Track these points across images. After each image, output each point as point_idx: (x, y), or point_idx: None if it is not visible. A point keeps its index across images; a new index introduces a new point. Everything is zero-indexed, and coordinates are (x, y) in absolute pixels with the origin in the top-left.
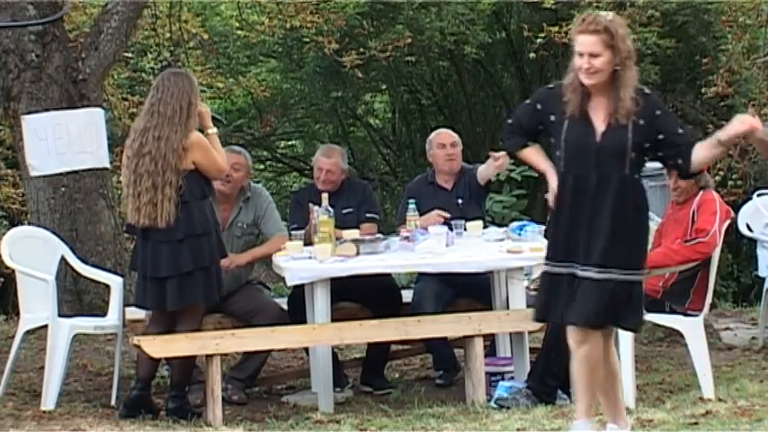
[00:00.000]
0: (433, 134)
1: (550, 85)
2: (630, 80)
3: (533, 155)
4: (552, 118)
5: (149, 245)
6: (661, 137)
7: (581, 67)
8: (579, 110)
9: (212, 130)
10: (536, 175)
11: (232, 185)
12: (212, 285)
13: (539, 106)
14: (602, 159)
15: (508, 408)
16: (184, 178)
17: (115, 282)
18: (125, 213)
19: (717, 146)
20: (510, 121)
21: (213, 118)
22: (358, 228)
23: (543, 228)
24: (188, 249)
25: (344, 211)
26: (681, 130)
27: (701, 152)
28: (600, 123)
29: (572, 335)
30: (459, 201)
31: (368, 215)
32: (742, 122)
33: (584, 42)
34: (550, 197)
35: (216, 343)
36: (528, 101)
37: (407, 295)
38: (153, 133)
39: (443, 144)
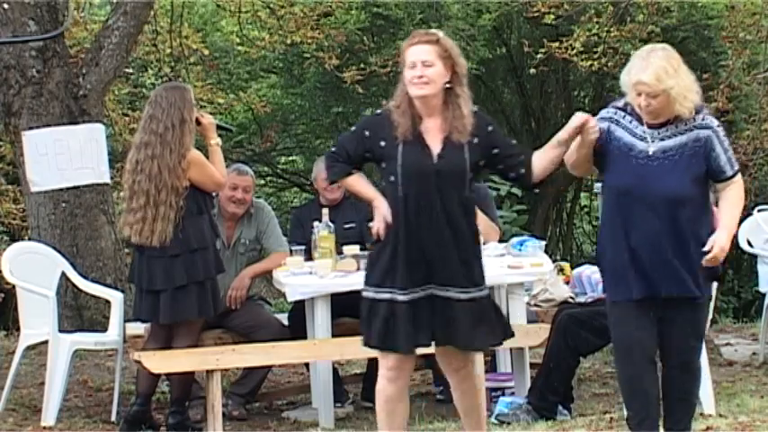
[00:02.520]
0: None
1: (377, 111)
2: (465, 98)
3: (358, 182)
4: (383, 144)
5: (144, 258)
6: (496, 151)
7: (412, 78)
8: (412, 133)
9: (215, 141)
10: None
11: (245, 206)
12: (206, 300)
13: (367, 133)
14: (442, 181)
15: (509, 423)
16: (184, 198)
17: (115, 297)
18: (121, 226)
19: (556, 146)
20: (334, 149)
21: (221, 127)
22: (360, 244)
23: (543, 243)
24: (182, 264)
25: (346, 227)
26: (514, 142)
27: (543, 158)
28: (435, 145)
29: (451, 359)
30: None
31: None
32: (579, 117)
33: (416, 52)
34: (378, 225)
35: (216, 358)
36: (353, 128)
37: None
38: (147, 151)
39: None
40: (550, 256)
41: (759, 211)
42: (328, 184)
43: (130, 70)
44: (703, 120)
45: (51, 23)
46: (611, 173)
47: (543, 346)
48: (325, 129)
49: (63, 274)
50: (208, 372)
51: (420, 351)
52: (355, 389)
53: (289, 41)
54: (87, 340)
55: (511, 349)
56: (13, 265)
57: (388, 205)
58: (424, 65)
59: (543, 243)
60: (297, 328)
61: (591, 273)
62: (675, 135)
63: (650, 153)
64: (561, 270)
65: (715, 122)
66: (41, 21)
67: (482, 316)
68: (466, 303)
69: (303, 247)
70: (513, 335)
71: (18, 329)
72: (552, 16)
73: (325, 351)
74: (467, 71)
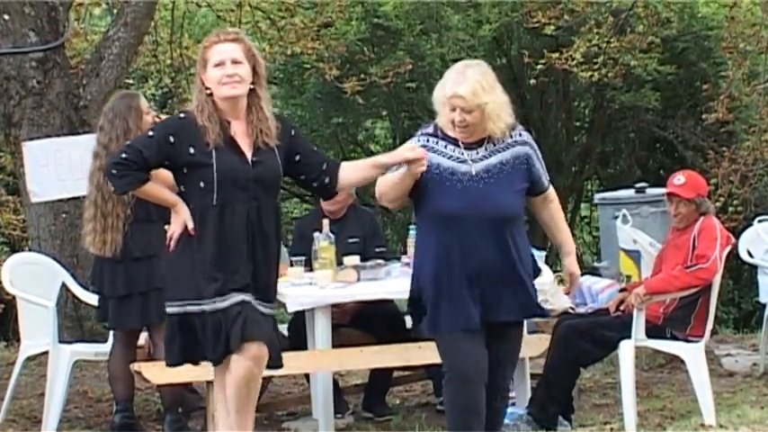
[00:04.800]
0: None
1: (180, 116)
2: (267, 100)
3: (156, 189)
4: (192, 151)
5: (106, 264)
6: (298, 158)
7: (222, 78)
8: (223, 138)
9: None
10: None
11: None
12: (149, 310)
13: (171, 139)
14: (259, 188)
15: None
16: (131, 207)
17: None
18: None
19: (375, 168)
20: (125, 156)
21: None
22: (362, 258)
23: (544, 254)
24: (124, 272)
25: (350, 240)
26: (315, 149)
27: (355, 172)
28: (248, 150)
29: (247, 356)
30: None
31: (377, 249)
32: (412, 149)
33: (223, 50)
34: (176, 230)
35: None
36: (151, 133)
37: (409, 321)
38: (96, 162)
39: None
40: (551, 267)
41: (759, 221)
42: (120, 194)
43: (131, 81)
44: (520, 135)
45: (52, 34)
46: (434, 200)
47: (543, 356)
48: (325, 139)
49: (63, 284)
50: (208, 383)
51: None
52: (355, 399)
53: (289, 52)
54: (87, 351)
55: None
56: (14, 275)
57: (189, 211)
58: (233, 63)
59: (544, 254)
60: (297, 338)
61: (591, 283)
62: (495, 153)
63: (474, 174)
64: (561, 280)
65: (530, 137)
66: (42, 32)
67: (274, 333)
68: (267, 318)
69: (303, 258)
70: (281, 366)
71: (18, 340)
72: (552, 27)
73: (325, 362)
74: (266, 72)
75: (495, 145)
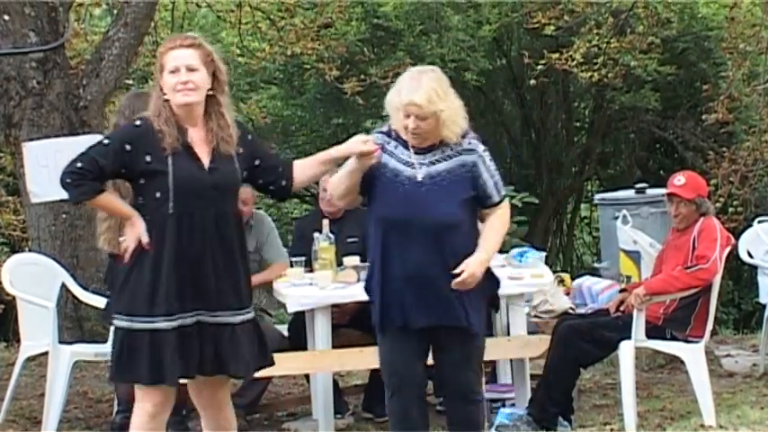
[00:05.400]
0: None
1: (136, 122)
2: (228, 106)
3: (112, 200)
4: (149, 158)
5: (114, 262)
6: (257, 162)
7: (176, 85)
8: (181, 143)
9: None
10: (537, 201)
11: (245, 218)
12: None
13: (128, 147)
14: (217, 196)
15: None
16: None
17: None
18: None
19: (325, 163)
20: (80, 165)
21: None
22: (362, 258)
23: (544, 254)
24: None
25: (349, 240)
26: (272, 152)
27: (307, 170)
28: (205, 157)
29: (213, 390)
30: None
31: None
32: (364, 141)
33: (178, 56)
34: (130, 244)
35: None
36: (107, 140)
37: None
38: None
39: None
40: (551, 267)
41: (759, 222)
42: (74, 203)
43: (131, 81)
44: (469, 144)
45: (52, 35)
46: (379, 202)
47: (543, 357)
48: (325, 140)
49: (63, 285)
50: None
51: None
52: (355, 400)
53: (289, 53)
54: (87, 351)
55: (511, 360)
56: (14, 276)
57: (144, 225)
58: (188, 70)
59: (543, 254)
60: (297, 339)
61: (591, 284)
62: (442, 160)
63: (418, 179)
64: (561, 281)
65: (481, 147)
66: (42, 32)
67: (252, 339)
68: (237, 327)
69: (303, 259)
70: (273, 363)
71: (18, 341)
72: (552, 27)
73: (325, 362)
74: (227, 78)
75: (443, 152)
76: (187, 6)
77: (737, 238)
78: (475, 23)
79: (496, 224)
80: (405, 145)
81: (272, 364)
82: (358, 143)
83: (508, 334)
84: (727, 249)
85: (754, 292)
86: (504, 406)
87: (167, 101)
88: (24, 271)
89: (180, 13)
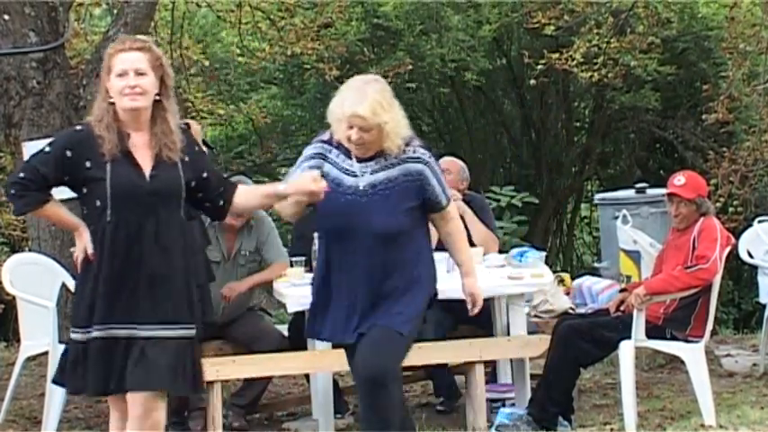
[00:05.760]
0: None
1: (77, 128)
2: (173, 112)
3: (57, 211)
4: (89, 164)
5: None
6: (205, 175)
7: (123, 89)
8: (121, 149)
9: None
10: (537, 201)
11: (242, 219)
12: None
13: (68, 153)
14: (157, 202)
15: None
16: None
17: None
18: None
19: (272, 197)
20: (22, 175)
21: (204, 143)
22: None
23: (544, 254)
24: None
25: None
26: (218, 170)
27: (250, 199)
28: (147, 163)
29: (141, 405)
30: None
31: None
32: (315, 181)
33: (127, 59)
34: (79, 255)
35: (216, 370)
36: (48, 148)
37: None
38: None
39: None
40: (551, 267)
41: (759, 222)
42: (18, 215)
43: None
44: (414, 152)
45: (52, 35)
46: (322, 212)
47: (544, 356)
48: None
49: (63, 285)
50: (208, 383)
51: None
52: (355, 400)
53: (289, 52)
54: None
55: (511, 360)
56: (14, 276)
57: (89, 235)
58: (137, 74)
59: (543, 254)
60: (297, 339)
61: (591, 284)
62: (385, 168)
63: (360, 188)
64: (562, 281)
65: (427, 154)
66: (42, 32)
67: (184, 357)
68: (170, 342)
69: (303, 258)
70: (203, 390)
71: (18, 340)
72: (552, 27)
73: (325, 362)
74: (174, 83)
75: (386, 160)
76: (187, 6)
77: (737, 238)
78: (475, 23)
79: (460, 237)
80: (346, 153)
81: (194, 392)
82: (308, 182)
83: (508, 334)
84: (728, 249)
85: (754, 292)
86: (504, 406)
87: (112, 104)
88: (24, 271)
89: (180, 13)
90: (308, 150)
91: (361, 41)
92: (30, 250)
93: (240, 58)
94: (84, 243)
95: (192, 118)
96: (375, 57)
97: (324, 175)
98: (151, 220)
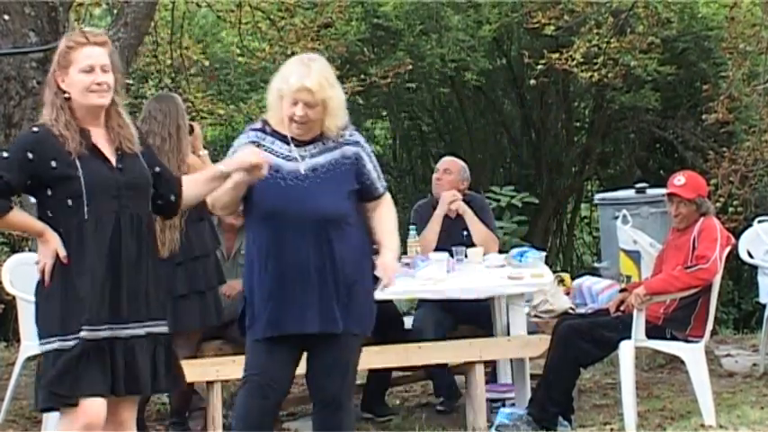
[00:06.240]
0: None
1: (33, 129)
2: (123, 105)
3: (21, 218)
4: (54, 164)
5: None
6: (158, 170)
7: (90, 85)
8: (86, 146)
9: (203, 153)
10: (537, 201)
11: (242, 218)
12: (209, 309)
13: (30, 156)
14: (132, 196)
15: None
16: None
17: None
18: None
19: (216, 179)
20: None
21: None
22: None
23: (544, 254)
24: (184, 272)
25: None
26: (166, 164)
27: (197, 186)
28: (113, 157)
29: (122, 410)
30: (464, 232)
31: (375, 246)
32: (255, 154)
33: (92, 54)
34: (47, 262)
35: (216, 369)
36: (5, 153)
37: (408, 322)
38: None
39: (438, 169)
40: (551, 267)
41: (759, 222)
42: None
43: (131, 81)
44: (351, 136)
45: (52, 35)
46: (257, 199)
47: (544, 356)
48: None
49: None
50: (208, 383)
51: (422, 362)
52: (355, 400)
53: (289, 52)
54: None
55: (511, 360)
56: (14, 276)
57: (59, 238)
58: (103, 70)
59: (543, 254)
60: None
61: (591, 284)
62: (325, 152)
63: (302, 172)
64: (562, 281)
65: (362, 138)
66: (42, 32)
67: (161, 354)
68: (148, 339)
69: None
70: (180, 384)
71: (18, 341)
72: (552, 27)
73: None
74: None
75: (324, 144)
76: (187, 6)
77: (737, 238)
78: (475, 23)
79: (389, 218)
80: (283, 139)
81: (175, 387)
82: (249, 154)
83: (508, 334)
84: (728, 249)
85: (754, 292)
86: (504, 406)
87: (68, 99)
88: (24, 271)
89: (180, 13)
90: (241, 140)
91: (361, 41)
92: (30, 250)
93: (240, 58)
94: (53, 247)
95: (192, 118)
96: (375, 57)
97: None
98: (126, 213)
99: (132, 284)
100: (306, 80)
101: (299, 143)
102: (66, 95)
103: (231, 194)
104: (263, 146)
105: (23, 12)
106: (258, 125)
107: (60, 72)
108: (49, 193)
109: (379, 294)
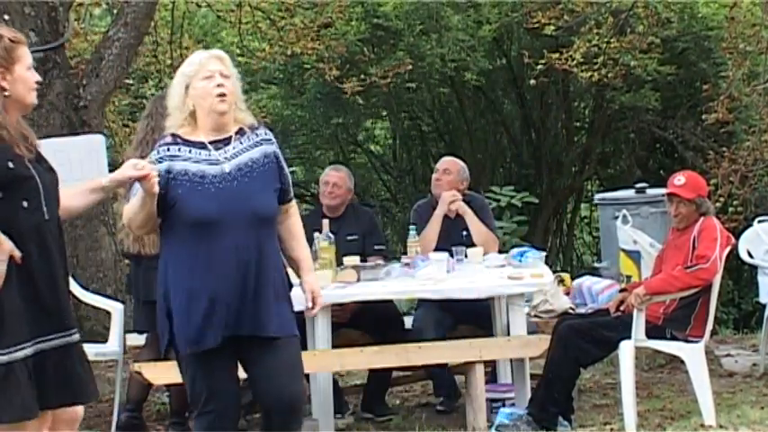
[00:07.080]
0: None
1: None
2: None
3: None
4: (11, 165)
5: (141, 269)
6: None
7: (34, 83)
8: (27, 147)
9: None
10: (537, 201)
11: None
12: None
13: None
14: (57, 198)
15: None
16: None
17: (116, 308)
18: (120, 240)
19: (94, 192)
20: None
21: None
22: (362, 257)
23: (544, 254)
24: None
25: (349, 238)
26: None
27: (74, 199)
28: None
29: (64, 421)
30: (464, 232)
31: (376, 247)
32: (133, 166)
33: (28, 53)
34: (1, 264)
35: None
36: None
37: (408, 322)
38: None
39: (437, 169)
40: (551, 267)
41: (759, 222)
42: None
43: (131, 81)
44: (266, 134)
45: (52, 35)
46: (187, 208)
47: (544, 356)
48: (325, 140)
49: None
50: None
51: (422, 362)
52: (355, 400)
53: (289, 52)
54: (88, 351)
55: (511, 360)
56: None
57: (11, 242)
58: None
59: (543, 254)
60: None
61: (591, 284)
62: (245, 150)
63: (227, 171)
64: (561, 281)
65: (274, 139)
66: (42, 32)
67: (81, 364)
68: (72, 349)
69: None
70: (97, 396)
71: None
72: (552, 27)
73: (325, 362)
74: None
75: (242, 143)
76: (187, 6)
77: (737, 237)
78: (475, 23)
79: (302, 232)
80: (199, 145)
81: (96, 398)
82: (129, 168)
83: (508, 334)
84: (727, 249)
85: (754, 292)
86: (504, 406)
87: (8, 97)
88: None
89: (180, 13)
90: (152, 156)
91: (361, 41)
92: None
93: (240, 58)
94: (8, 251)
95: None
96: (375, 57)
97: (180, 174)
98: (55, 215)
99: (56, 293)
100: (212, 52)
101: (218, 145)
102: (6, 93)
103: (142, 213)
104: (179, 156)
105: (23, 12)
106: (168, 139)
107: (8, 70)
108: (1, 195)
109: (380, 294)
